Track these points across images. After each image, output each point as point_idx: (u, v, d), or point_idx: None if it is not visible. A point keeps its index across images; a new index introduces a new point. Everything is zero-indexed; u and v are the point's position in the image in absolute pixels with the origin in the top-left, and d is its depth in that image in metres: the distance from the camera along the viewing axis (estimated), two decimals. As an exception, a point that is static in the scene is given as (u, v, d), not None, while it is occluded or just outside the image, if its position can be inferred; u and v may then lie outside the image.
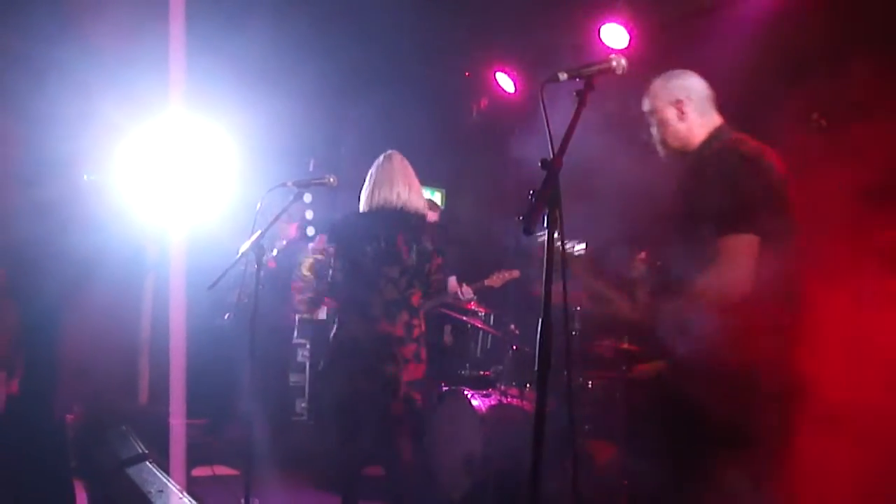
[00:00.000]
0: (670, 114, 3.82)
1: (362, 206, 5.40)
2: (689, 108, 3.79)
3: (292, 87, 7.44)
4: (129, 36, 6.65)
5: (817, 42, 5.60)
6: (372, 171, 5.47)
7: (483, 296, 7.58)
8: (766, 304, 3.37)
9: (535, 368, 2.85)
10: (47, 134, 6.19)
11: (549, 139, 3.02)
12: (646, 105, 3.92)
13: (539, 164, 2.89)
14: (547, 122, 3.04)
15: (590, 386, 6.44)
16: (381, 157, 5.49)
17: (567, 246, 3.51)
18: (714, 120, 3.82)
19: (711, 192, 3.50)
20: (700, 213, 3.52)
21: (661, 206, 3.89)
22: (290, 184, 5.33)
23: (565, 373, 3.15)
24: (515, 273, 7.70)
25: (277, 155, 7.61)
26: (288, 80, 7.47)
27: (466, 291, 7.46)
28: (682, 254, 3.60)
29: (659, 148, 3.93)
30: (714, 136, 3.77)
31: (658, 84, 3.90)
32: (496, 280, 7.69)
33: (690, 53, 6.68)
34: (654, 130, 3.92)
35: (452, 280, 7.74)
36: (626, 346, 6.12)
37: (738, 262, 3.40)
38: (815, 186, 4.20)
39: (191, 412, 6.38)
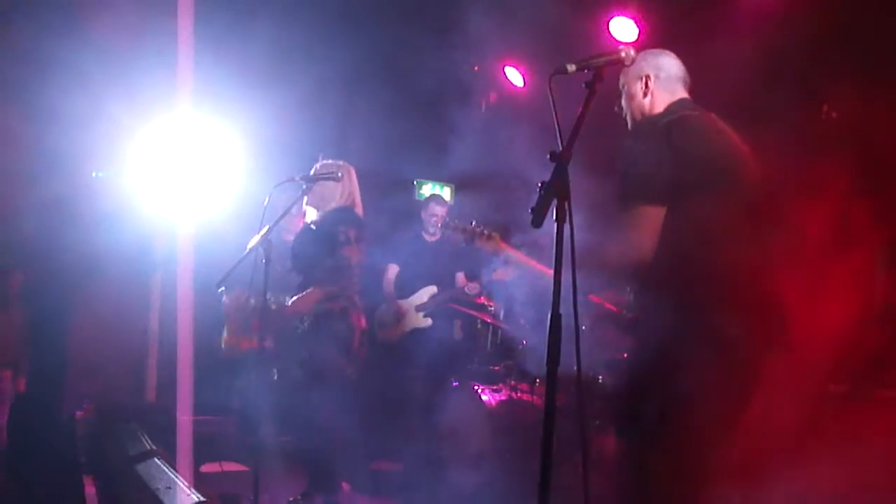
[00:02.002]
0: (636, 88, 3.87)
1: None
2: (655, 84, 3.83)
3: (299, 81, 7.42)
4: (136, 34, 6.65)
5: (828, 34, 5.55)
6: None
7: (493, 291, 7.55)
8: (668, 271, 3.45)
9: (545, 362, 2.83)
10: (56, 131, 6.19)
11: (557, 131, 2.99)
12: (620, 81, 3.96)
13: (548, 157, 2.87)
14: (556, 113, 3.02)
15: (600, 380, 6.40)
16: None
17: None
18: (680, 95, 3.85)
19: (626, 159, 3.59)
20: (618, 179, 3.60)
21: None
22: (297, 178, 5.33)
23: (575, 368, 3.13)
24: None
25: (285, 150, 7.60)
26: (295, 75, 7.45)
27: (473, 287, 7.44)
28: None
29: (627, 121, 3.96)
30: (667, 111, 3.77)
31: (636, 59, 3.89)
32: (503, 273, 7.66)
33: (700, 46, 6.66)
34: (623, 103, 3.96)
35: (461, 276, 7.72)
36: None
37: (638, 230, 3.47)
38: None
39: (198, 408, 6.38)
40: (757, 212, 3.61)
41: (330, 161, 5.86)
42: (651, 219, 3.46)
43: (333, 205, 5.80)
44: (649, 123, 3.72)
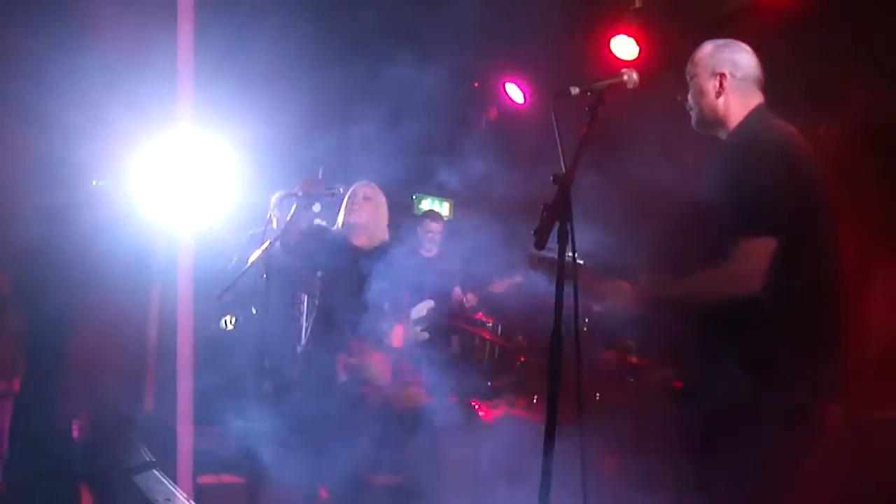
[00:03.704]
0: (709, 85, 3.62)
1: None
2: (729, 84, 3.60)
3: (301, 96, 7.45)
4: (137, 45, 6.66)
5: (829, 55, 5.59)
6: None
7: (490, 305, 7.56)
8: (782, 305, 3.26)
9: (547, 380, 2.86)
10: (57, 141, 6.21)
11: (560, 153, 3.03)
12: (688, 69, 3.73)
13: (551, 179, 2.90)
14: (558, 136, 3.05)
15: (597, 398, 6.42)
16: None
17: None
18: (756, 100, 3.63)
19: (734, 185, 3.36)
20: (723, 204, 3.39)
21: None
22: (300, 193, 5.36)
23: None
24: (519, 279, 7.69)
25: (285, 162, 7.62)
26: (296, 90, 7.48)
27: (470, 299, 7.45)
28: (697, 248, 3.55)
29: (692, 117, 3.74)
30: (750, 120, 3.57)
31: (705, 51, 3.70)
32: (499, 287, 7.68)
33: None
34: (689, 97, 3.73)
35: (457, 290, 7.73)
36: (634, 359, 6.11)
37: (749, 263, 3.25)
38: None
39: (198, 419, 6.38)
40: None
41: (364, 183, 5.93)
42: (765, 250, 3.25)
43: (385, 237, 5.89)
44: (756, 141, 3.45)
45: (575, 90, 3.21)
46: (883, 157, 5.18)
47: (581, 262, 3.42)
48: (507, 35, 7.76)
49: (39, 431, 5.91)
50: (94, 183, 7.08)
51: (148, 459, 5.62)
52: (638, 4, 7.17)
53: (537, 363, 7.18)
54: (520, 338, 7.18)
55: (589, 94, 3.21)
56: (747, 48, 3.68)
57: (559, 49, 7.46)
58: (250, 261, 5.14)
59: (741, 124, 3.56)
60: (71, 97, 6.21)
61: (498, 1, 7.23)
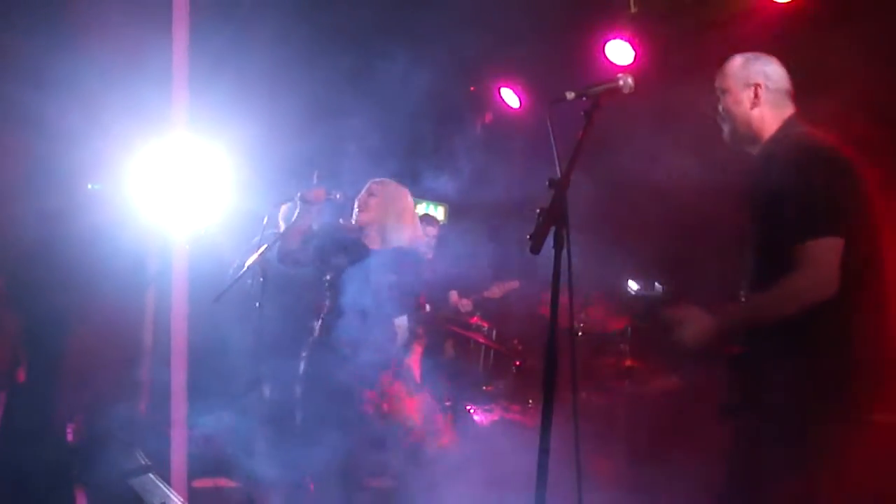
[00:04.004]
0: (744, 97, 3.61)
1: None
2: (764, 95, 3.59)
3: (295, 100, 7.45)
4: (133, 49, 6.66)
5: (822, 59, 5.60)
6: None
7: (485, 310, 7.57)
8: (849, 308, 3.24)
9: (542, 385, 2.86)
10: (52, 144, 6.20)
11: (556, 158, 3.04)
12: (719, 82, 3.71)
13: (547, 184, 2.90)
14: (554, 142, 3.06)
15: (592, 402, 6.44)
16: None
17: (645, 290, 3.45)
18: (788, 112, 3.63)
19: (787, 193, 3.31)
20: (774, 215, 3.35)
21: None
22: (296, 198, 5.34)
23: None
24: (515, 284, 7.70)
25: (281, 168, 7.62)
26: (291, 94, 7.49)
27: (466, 304, 7.46)
28: (752, 264, 3.49)
29: (725, 130, 3.71)
30: (785, 129, 3.57)
31: (736, 63, 3.69)
32: (495, 291, 7.69)
33: (696, 70, 6.71)
34: (721, 110, 3.70)
35: (453, 294, 7.73)
36: (628, 362, 6.12)
37: (822, 266, 3.21)
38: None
39: (192, 423, 6.38)
40: None
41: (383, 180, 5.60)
42: (835, 252, 3.23)
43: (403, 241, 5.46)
44: (801, 147, 3.43)
45: (571, 95, 3.22)
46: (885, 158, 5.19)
47: (661, 291, 3.48)
48: (503, 39, 7.77)
49: (34, 434, 5.90)
50: (89, 186, 7.07)
51: (143, 463, 5.62)
52: (633, 9, 7.19)
53: (532, 368, 7.20)
54: (515, 342, 7.19)
55: (584, 98, 3.21)
56: (776, 60, 3.68)
57: (554, 53, 7.48)
58: (247, 264, 5.13)
59: (776, 135, 3.56)
60: (67, 100, 6.21)
61: (493, 5, 7.24)
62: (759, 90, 3.57)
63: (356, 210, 5.40)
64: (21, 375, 6.12)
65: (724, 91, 3.66)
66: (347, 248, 5.31)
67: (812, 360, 3.24)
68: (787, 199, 3.28)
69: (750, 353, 3.42)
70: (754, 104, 3.58)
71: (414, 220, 5.51)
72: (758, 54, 3.69)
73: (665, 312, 3.48)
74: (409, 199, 5.50)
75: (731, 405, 3.45)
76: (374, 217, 5.36)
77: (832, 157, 3.38)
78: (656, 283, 3.52)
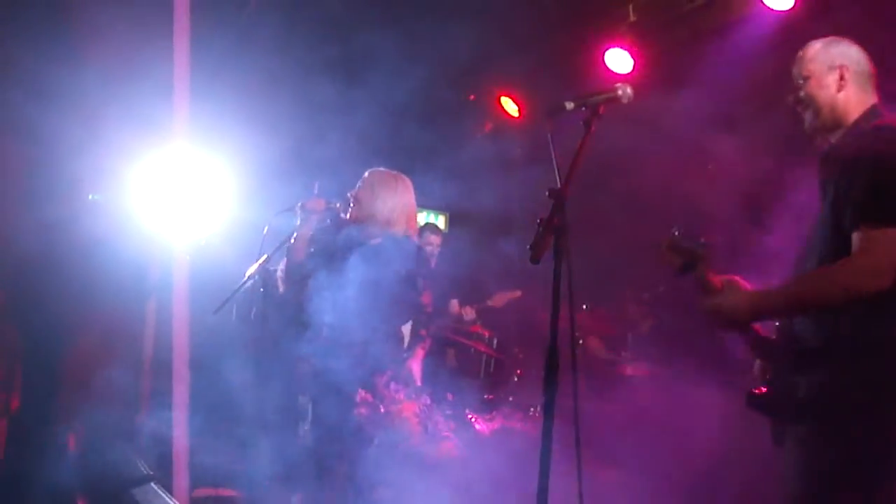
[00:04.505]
0: (829, 80, 3.38)
1: None
2: (850, 77, 3.37)
3: (296, 110, 7.47)
4: (133, 58, 6.68)
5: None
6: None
7: (487, 319, 7.58)
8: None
9: (542, 393, 2.86)
10: (53, 154, 6.22)
11: (555, 168, 3.04)
12: (798, 69, 3.47)
13: (547, 194, 2.91)
14: (553, 151, 3.07)
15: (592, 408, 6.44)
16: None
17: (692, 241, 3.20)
18: (871, 99, 3.41)
19: (854, 176, 3.12)
20: (840, 199, 3.14)
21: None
22: (297, 208, 5.33)
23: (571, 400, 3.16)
24: (517, 293, 7.71)
25: (281, 177, 7.63)
26: (292, 104, 7.50)
27: (468, 313, 7.46)
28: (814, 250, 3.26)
29: (807, 119, 3.46)
30: (866, 116, 3.35)
31: (817, 47, 3.46)
32: (498, 301, 7.70)
33: (695, 77, 6.73)
34: (803, 97, 3.44)
35: (455, 302, 7.74)
36: (630, 370, 6.13)
37: (877, 255, 2.99)
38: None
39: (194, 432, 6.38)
40: None
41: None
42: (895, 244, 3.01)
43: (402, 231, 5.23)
44: (882, 132, 3.23)
45: (570, 105, 3.21)
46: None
47: (704, 243, 3.22)
48: (502, 48, 7.79)
49: (36, 445, 5.91)
50: (90, 197, 7.08)
51: (145, 472, 5.62)
52: (632, 18, 7.21)
53: (533, 376, 7.20)
54: (516, 350, 7.20)
55: (584, 108, 3.21)
56: (855, 44, 3.47)
57: (554, 62, 7.50)
58: (247, 274, 5.14)
59: (859, 120, 3.35)
60: (67, 111, 6.22)
61: (493, 15, 7.26)
62: (845, 72, 3.37)
63: (350, 204, 5.23)
64: (14, 403, 6.13)
65: (807, 77, 3.43)
66: (344, 246, 5.07)
67: (868, 360, 3.04)
68: (857, 181, 3.09)
69: (797, 344, 3.22)
70: (840, 87, 3.37)
71: (408, 210, 5.24)
72: (836, 38, 3.48)
73: (706, 276, 3.27)
74: (402, 186, 5.25)
75: (766, 397, 3.28)
76: (367, 209, 5.14)
77: None
78: (701, 239, 3.18)
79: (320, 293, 4.98)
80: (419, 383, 5.30)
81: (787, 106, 3.53)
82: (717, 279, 3.28)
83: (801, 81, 3.44)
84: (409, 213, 5.22)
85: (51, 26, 6.63)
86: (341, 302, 4.86)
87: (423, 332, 5.56)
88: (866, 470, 3.01)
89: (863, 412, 2.99)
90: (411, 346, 5.41)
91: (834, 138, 3.39)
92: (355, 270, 4.84)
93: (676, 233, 3.23)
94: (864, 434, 2.99)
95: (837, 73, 3.37)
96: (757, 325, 3.36)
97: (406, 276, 4.96)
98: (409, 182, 5.26)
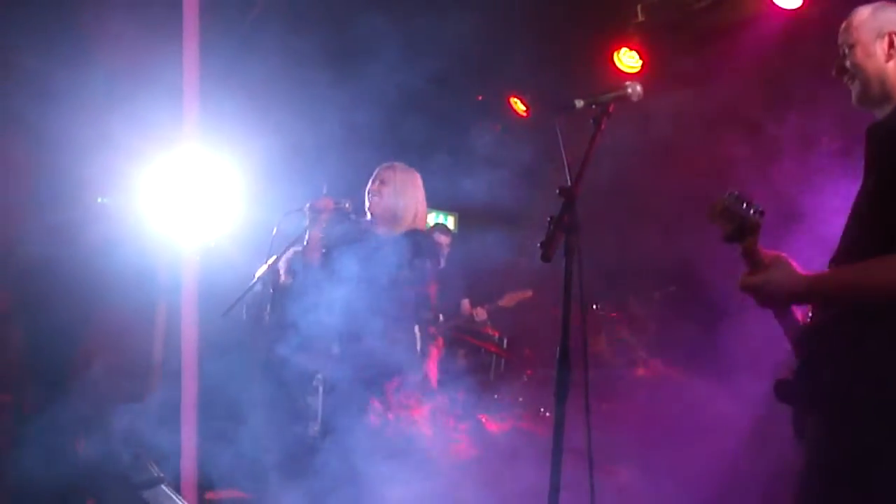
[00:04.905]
0: (876, 48, 3.10)
1: None
2: None
3: (305, 110, 7.47)
4: (141, 60, 6.68)
5: (830, 66, 5.60)
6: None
7: (497, 319, 7.57)
8: None
9: (555, 393, 2.85)
10: (61, 157, 6.22)
11: (565, 166, 3.03)
12: (844, 38, 3.21)
13: (557, 192, 2.90)
14: (563, 149, 3.05)
15: (604, 409, 6.43)
16: None
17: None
18: None
19: None
20: (891, 185, 2.88)
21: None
22: (305, 208, 5.33)
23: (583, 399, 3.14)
24: (528, 293, 7.69)
25: (290, 178, 7.63)
26: (300, 104, 7.50)
27: (481, 313, 7.45)
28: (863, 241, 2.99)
29: (854, 90, 3.19)
30: None
31: (865, 13, 3.18)
32: (509, 300, 7.69)
33: (704, 77, 6.72)
34: (849, 66, 3.17)
35: (466, 303, 7.73)
36: (640, 371, 6.12)
37: None
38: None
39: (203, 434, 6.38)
40: None
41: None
42: None
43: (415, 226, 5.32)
44: None
45: (580, 103, 3.20)
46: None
47: (761, 211, 2.92)
48: (511, 49, 7.78)
49: (44, 447, 5.91)
50: (98, 200, 7.09)
51: (155, 475, 5.62)
52: (641, 18, 7.20)
53: (543, 376, 7.19)
54: (526, 351, 7.18)
55: (593, 106, 3.20)
56: None
57: (563, 62, 7.49)
58: (256, 275, 5.13)
59: None
60: (75, 113, 6.23)
61: (502, 15, 7.25)
62: (895, 39, 3.09)
63: (369, 199, 5.29)
64: (24, 406, 6.14)
65: (853, 45, 3.16)
66: (356, 243, 5.18)
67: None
68: None
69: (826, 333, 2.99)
70: (890, 56, 3.09)
71: (424, 205, 5.35)
72: (887, 2, 3.20)
73: (755, 247, 3.00)
74: (419, 180, 5.37)
75: (789, 386, 3.06)
76: (387, 204, 5.22)
77: None
78: (758, 205, 2.81)
79: (332, 294, 4.99)
80: (434, 385, 5.31)
81: (833, 77, 3.26)
82: (765, 253, 3.02)
83: (846, 50, 3.18)
84: (425, 208, 5.35)
85: (59, 28, 6.63)
86: (354, 304, 4.88)
87: (433, 329, 5.55)
88: (872, 467, 2.82)
89: (877, 408, 2.79)
90: (423, 347, 5.40)
91: (883, 112, 3.14)
92: (376, 269, 4.89)
93: (733, 194, 2.92)
94: (874, 430, 2.79)
95: (886, 40, 3.10)
96: (795, 309, 3.14)
97: (418, 270, 5.00)
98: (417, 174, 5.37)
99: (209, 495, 6.14)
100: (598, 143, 3.11)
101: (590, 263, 3.09)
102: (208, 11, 5.58)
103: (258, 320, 6.30)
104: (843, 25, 3.20)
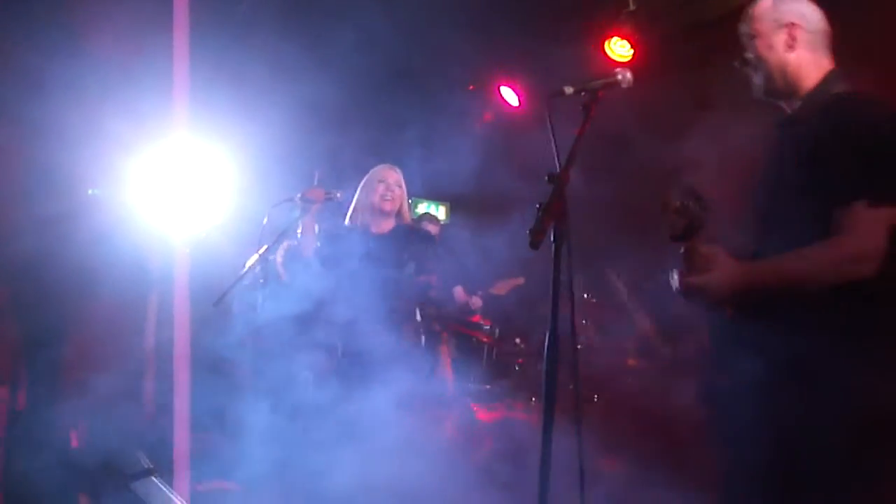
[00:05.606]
0: (778, 39, 3.11)
1: None
2: (801, 36, 3.10)
3: (295, 99, 7.44)
4: (133, 51, 6.66)
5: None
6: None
7: (489, 307, 7.56)
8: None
9: (543, 382, 2.84)
10: (51, 148, 6.19)
11: (555, 153, 3.02)
12: (746, 27, 3.22)
13: (546, 178, 2.88)
14: (553, 136, 3.04)
15: (595, 400, 6.42)
16: None
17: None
18: (827, 63, 3.14)
19: (834, 152, 2.84)
20: (817, 178, 2.87)
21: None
22: (296, 198, 5.33)
23: (572, 387, 3.14)
24: (520, 280, 7.68)
25: (281, 168, 7.61)
26: (291, 93, 7.47)
27: (476, 302, 7.43)
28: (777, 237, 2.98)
29: (756, 83, 3.22)
30: (829, 83, 3.08)
31: (766, 4, 3.19)
32: (501, 288, 7.67)
33: (695, 65, 6.71)
34: (751, 58, 3.20)
35: (459, 290, 7.71)
36: (631, 361, 6.12)
37: (870, 235, 2.76)
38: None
39: (195, 426, 6.37)
40: None
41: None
42: (888, 222, 2.78)
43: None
44: (855, 101, 2.97)
45: (569, 90, 3.18)
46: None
47: (709, 209, 2.87)
48: (502, 38, 7.77)
49: (37, 441, 5.90)
50: (89, 191, 7.06)
51: (146, 467, 5.61)
52: (632, 7, 7.19)
53: (535, 366, 7.19)
54: (517, 340, 7.18)
55: (583, 93, 3.17)
56: (812, 2, 3.19)
57: (554, 52, 7.47)
58: (247, 265, 5.11)
59: (819, 86, 3.09)
60: (66, 105, 6.19)
61: (492, 4, 7.24)
62: (796, 30, 3.09)
63: (388, 198, 5.48)
64: (19, 401, 6.12)
65: (754, 36, 3.18)
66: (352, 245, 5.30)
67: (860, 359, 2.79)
68: (838, 156, 2.84)
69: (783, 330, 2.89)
70: (790, 45, 3.10)
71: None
72: None
73: (698, 248, 2.95)
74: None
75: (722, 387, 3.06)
76: (399, 203, 5.52)
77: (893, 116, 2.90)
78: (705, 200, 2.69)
79: (335, 286, 5.06)
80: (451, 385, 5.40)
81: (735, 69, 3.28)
82: (705, 252, 2.96)
83: (748, 42, 3.21)
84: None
85: (49, 18, 6.60)
86: (355, 296, 5.01)
87: (438, 326, 5.62)
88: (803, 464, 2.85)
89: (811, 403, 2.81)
90: (430, 345, 5.48)
91: (792, 105, 3.16)
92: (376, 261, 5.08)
93: (687, 187, 2.91)
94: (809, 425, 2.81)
95: (786, 31, 3.11)
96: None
97: (426, 261, 5.38)
98: None
99: (201, 487, 6.13)
100: (588, 131, 3.09)
101: (580, 251, 3.07)
102: (198, 3, 5.57)
103: (250, 310, 6.30)
104: (745, 15, 3.23)
